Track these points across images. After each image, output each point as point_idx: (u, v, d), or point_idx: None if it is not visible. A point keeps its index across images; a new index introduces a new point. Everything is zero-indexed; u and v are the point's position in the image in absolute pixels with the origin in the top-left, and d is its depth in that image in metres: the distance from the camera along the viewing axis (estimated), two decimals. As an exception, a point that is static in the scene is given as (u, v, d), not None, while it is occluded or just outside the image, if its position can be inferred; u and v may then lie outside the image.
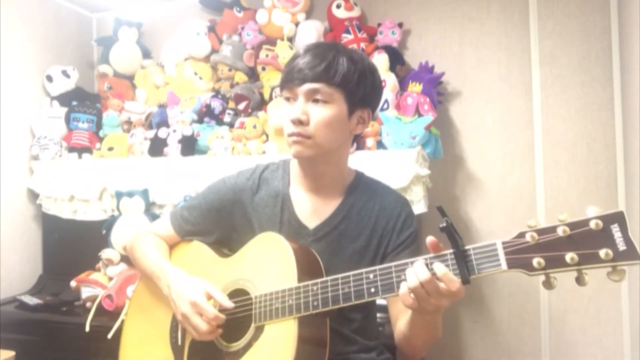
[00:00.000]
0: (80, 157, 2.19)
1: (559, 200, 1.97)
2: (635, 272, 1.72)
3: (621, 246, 0.76)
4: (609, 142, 1.91)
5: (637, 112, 1.65)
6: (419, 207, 1.73)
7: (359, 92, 1.11)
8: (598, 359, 1.93)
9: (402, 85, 1.98)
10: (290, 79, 1.10)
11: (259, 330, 1.05)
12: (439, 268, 0.87)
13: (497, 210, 2.05)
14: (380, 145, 1.86)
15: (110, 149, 2.16)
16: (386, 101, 1.90)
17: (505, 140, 2.05)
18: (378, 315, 1.32)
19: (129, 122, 2.26)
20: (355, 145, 1.82)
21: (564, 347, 1.98)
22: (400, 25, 2.08)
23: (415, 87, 1.93)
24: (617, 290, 1.90)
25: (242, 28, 2.24)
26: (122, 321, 1.35)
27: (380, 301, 1.23)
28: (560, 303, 1.98)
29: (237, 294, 1.12)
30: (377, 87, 1.17)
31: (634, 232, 1.70)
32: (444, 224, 0.85)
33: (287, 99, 1.12)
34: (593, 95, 1.94)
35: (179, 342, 1.16)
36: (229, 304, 1.08)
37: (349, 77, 1.08)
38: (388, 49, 2.02)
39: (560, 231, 0.80)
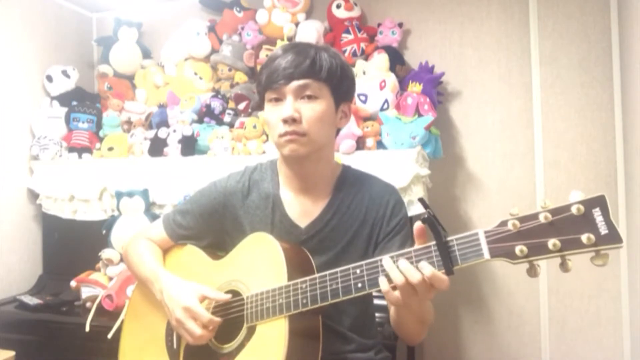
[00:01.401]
0: (80, 157, 2.19)
1: (559, 200, 1.95)
2: (635, 272, 1.72)
3: (603, 230, 0.75)
4: (609, 142, 1.91)
5: (637, 112, 1.65)
6: (418, 207, 1.73)
7: (343, 85, 1.14)
8: (598, 359, 1.93)
9: (402, 85, 1.98)
10: (275, 79, 1.09)
11: (251, 330, 1.05)
12: (425, 268, 0.86)
13: (497, 210, 2.05)
14: (380, 145, 1.86)
15: (110, 149, 2.16)
16: (386, 101, 1.90)
17: (505, 140, 2.05)
18: (377, 314, 1.32)
19: (129, 122, 2.26)
20: (355, 145, 1.83)
21: (564, 347, 1.98)
22: (400, 25, 2.08)
23: (415, 87, 1.93)
24: (617, 290, 1.90)
25: (242, 28, 2.24)
26: (122, 322, 1.35)
27: (378, 301, 1.23)
28: (560, 303, 1.98)
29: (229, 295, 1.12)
30: (354, 81, 1.21)
31: (634, 231, 1.69)
32: (426, 215, 0.85)
33: (273, 99, 1.12)
34: (593, 95, 1.94)
35: (175, 346, 1.17)
36: (224, 296, 1.08)
37: (334, 72, 1.11)
38: (388, 49, 2.02)
39: (542, 218, 0.79)
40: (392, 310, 1.10)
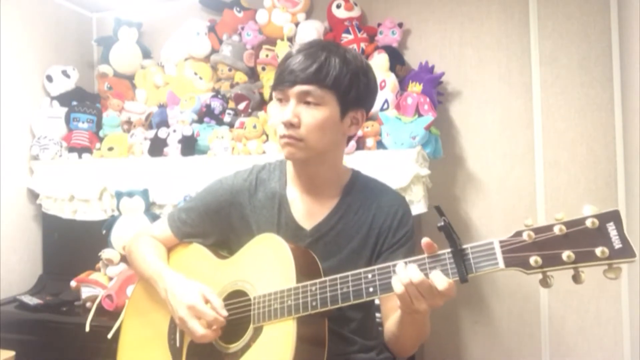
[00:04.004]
0: (80, 157, 2.19)
1: (559, 200, 1.97)
2: (635, 272, 1.72)
3: (617, 244, 0.76)
4: (609, 142, 1.91)
5: (637, 112, 1.65)
6: (418, 207, 1.73)
7: (352, 93, 1.09)
8: (598, 359, 1.93)
9: (402, 85, 1.98)
10: (282, 80, 1.08)
11: (258, 331, 1.05)
12: (436, 277, 0.88)
13: (497, 210, 2.05)
14: (380, 145, 1.86)
15: (110, 149, 2.16)
16: (386, 101, 1.90)
17: (505, 140, 2.05)
18: (378, 315, 1.32)
19: (129, 122, 2.26)
20: (355, 145, 1.83)
21: (564, 347, 1.98)
22: (400, 25, 2.08)
23: (415, 87, 1.93)
24: (617, 290, 1.90)
25: (242, 28, 2.24)
26: (122, 322, 1.34)
27: (378, 301, 1.23)
28: (560, 303, 1.98)
29: (235, 295, 1.12)
30: (371, 87, 1.15)
31: (634, 231, 1.69)
32: (442, 223, 0.86)
33: (279, 100, 1.12)
34: (593, 95, 1.94)
35: (177, 344, 1.16)
36: (223, 312, 1.07)
37: (341, 79, 1.07)
38: (388, 49, 2.02)
39: (556, 230, 0.80)
40: (389, 323, 1.11)
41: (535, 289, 2.00)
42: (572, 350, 1.97)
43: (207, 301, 1.08)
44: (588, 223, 0.78)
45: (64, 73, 2.30)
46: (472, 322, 2.10)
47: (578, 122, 1.96)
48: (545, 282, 0.82)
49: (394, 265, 0.93)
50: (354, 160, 1.76)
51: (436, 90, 1.97)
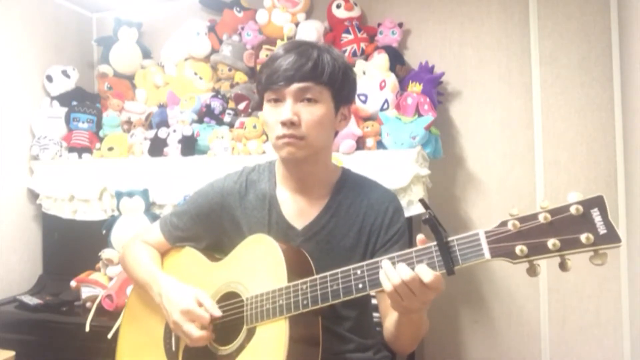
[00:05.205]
0: (80, 157, 2.19)
1: (558, 200, 1.95)
2: (635, 272, 1.72)
3: (601, 230, 0.76)
4: (609, 142, 1.91)
5: (637, 112, 1.65)
6: (418, 207, 1.73)
7: (345, 89, 1.13)
8: (598, 359, 1.93)
9: (402, 85, 1.98)
10: (275, 80, 1.08)
11: (251, 332, 1.05)
12: (422, 270, 0.87)
13: (497, 210, 2.05)
14: (380, 145, 1.86)
15: (110, 149, 2.16)
16: (386, 101, 1.90)
17: (505, 140, 2.05)
18: (375, 315, 1.32)
19: (129, 122, 2.26)
20: (355, 145, 1.83)
21: (564, 347, 1.98)
22: (400, 25, 2.08)
23: (415, 87, 1.93)
24: (617, 290, 1.89)
25: (242, 28, 2.24)
26: (120, 325, 1.35)
27: (376, 301, 1.23)
28: (560, 303, 1.98)
29: (228, 297, 1.12)
30: (355, 83, 1.19)
31: (634, 231, 1.69)
32: (427, 216, 0.86)
33: (272, 100, 1.11)
34: (593, 95, 1.93)
35: (173, 348, 1.17)
36: (217, 313, 1.08)
37: (335, 75, 1.09)
38: (388, 49, 2.02)
39: (541, 218, 0.80)
40: (388, 322, 1.11)
41: (535, 289, 1.99)
42: (572, 350, 1.96)
43: (200, 304, 1.08)
44: (572, 210, 0.78)
45: (64, 73, 2.31)
46: (472, 322, 2.10)
47: (578, 122, 1.96)
48: (532, 272, 0.82)
49: (381, 261, 0.93)
50: (354, 160, 1.77)
51: (436, 90, 1.97)
